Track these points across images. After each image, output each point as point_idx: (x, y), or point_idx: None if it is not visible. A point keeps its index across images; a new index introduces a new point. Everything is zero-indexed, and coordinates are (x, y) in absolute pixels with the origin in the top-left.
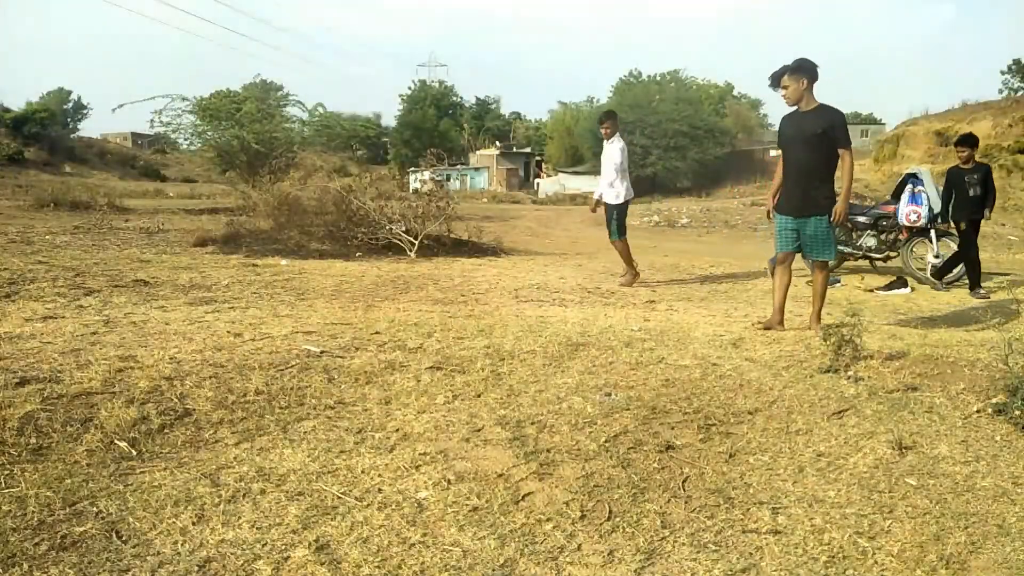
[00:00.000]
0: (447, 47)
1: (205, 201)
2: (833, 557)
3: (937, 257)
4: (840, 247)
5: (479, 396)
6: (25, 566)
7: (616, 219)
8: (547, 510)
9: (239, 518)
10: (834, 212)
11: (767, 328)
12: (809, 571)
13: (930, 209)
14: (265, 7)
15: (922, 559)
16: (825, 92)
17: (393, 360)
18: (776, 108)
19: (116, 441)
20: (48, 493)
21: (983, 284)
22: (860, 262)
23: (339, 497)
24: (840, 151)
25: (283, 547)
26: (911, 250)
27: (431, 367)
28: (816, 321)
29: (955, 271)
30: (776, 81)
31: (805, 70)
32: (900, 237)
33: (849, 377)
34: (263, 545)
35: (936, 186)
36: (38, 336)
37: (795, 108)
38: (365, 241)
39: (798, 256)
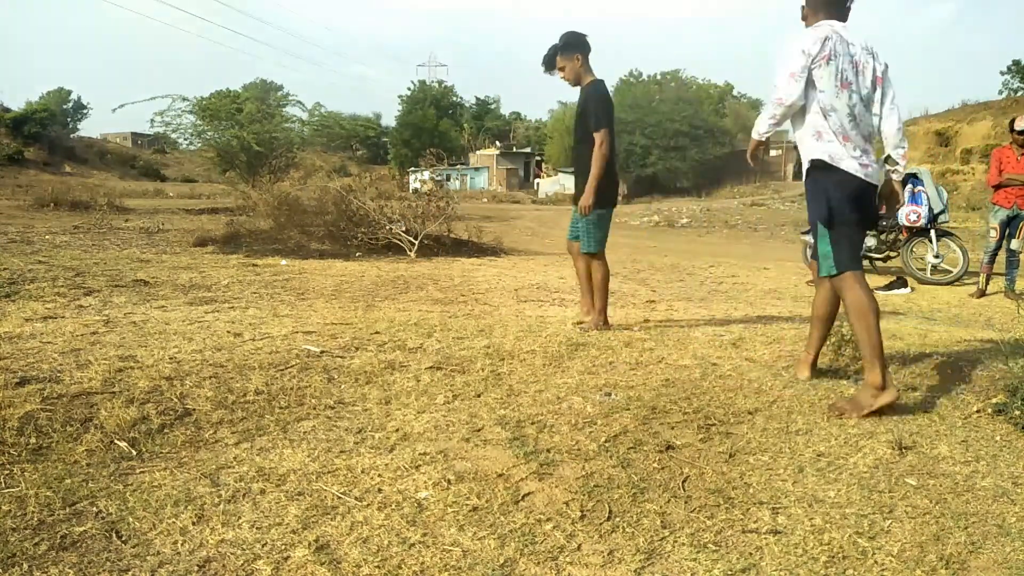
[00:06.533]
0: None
1: (205, 201)
2: (833, 557)
3: (937, 257)
4: None
5: (479, 396)
6: (25, 566)
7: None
8: (547, 510)
9: (239, 518)
10: (579, 206)
11: (579, 324)
12: (809, 571)
13: (930, 209)
14: (266, 7)
15: (922, 559)
16: None
17: (393, 360)
18: None
19: (116, 441)
20: (48, 493)
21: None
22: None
23: (339, 497)
24: (593, 133)
25: (283, 547)
26: (911, 250)
27: (431, 367)
28: (598, 316)
29: (956, 271)
30: (550, 64)
31: (574, 46)
32: (900, 237)
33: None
34: (263, 545)
35: (936, 186)
36: (38, 336)
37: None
38: (365, 241)
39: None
